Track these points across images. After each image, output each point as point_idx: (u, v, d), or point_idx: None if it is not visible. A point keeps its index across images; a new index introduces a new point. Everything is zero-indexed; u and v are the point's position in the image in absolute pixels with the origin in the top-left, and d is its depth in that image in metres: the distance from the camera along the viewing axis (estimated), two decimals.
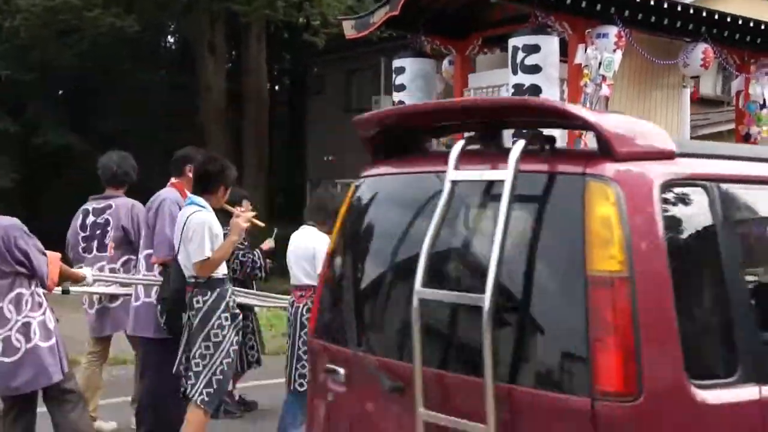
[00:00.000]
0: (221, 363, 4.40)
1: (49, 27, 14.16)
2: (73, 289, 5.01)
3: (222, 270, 4.51)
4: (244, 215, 4.70)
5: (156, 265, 5.03)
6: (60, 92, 19.14)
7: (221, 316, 4.43)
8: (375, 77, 17.58)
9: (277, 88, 24.49)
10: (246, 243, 5.69)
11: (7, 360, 3.98)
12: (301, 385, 4.74)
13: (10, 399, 4.18)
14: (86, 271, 4.85)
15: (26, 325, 4.07)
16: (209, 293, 4.41)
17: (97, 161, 5.51)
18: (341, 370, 2.62)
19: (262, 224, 5.23)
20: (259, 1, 13.92)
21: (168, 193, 4.94)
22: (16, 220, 4.16)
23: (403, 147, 2.84)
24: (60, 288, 4.59)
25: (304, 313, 4.81)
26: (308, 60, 20.73)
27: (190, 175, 4.85)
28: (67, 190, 16.87)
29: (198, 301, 4.39)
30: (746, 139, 7.70)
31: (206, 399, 4.33)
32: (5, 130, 15.94)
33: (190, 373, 4.38)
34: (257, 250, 5.87)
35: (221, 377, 4.41)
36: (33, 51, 15.37)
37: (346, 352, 2.63)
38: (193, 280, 4.42)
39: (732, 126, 8.83)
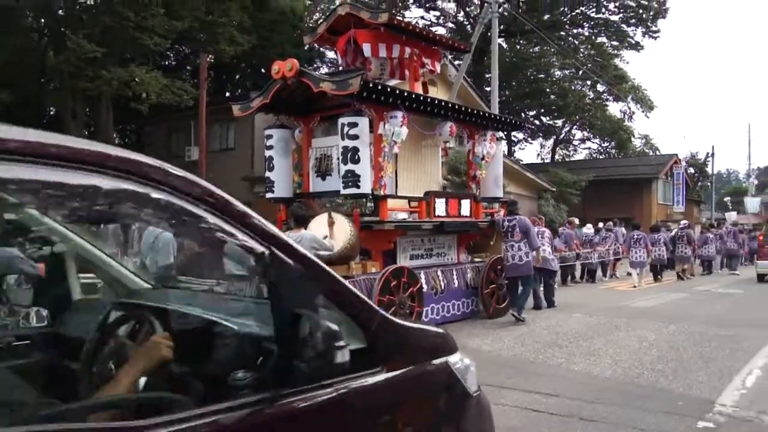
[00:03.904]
0: None
1: None
2: None
3: None
4: None
5: None
6: None
7: None
8: (187, 135, 20.15)
9: (126, 141, 26.01)
10: None
11: None
12: None
13: None
14: None
15: None
16: None
17: None
18: None
19: None
20: (100, 81, 15.03)
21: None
22: None
23: None
24: None
25: None
26: (142, 122, 22.38)
27: None
28: None
29: None
30: (474, 178, 9.21)
31: None
32: None
33: None
34: None
35: None
36: None
37: None
38: None
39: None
